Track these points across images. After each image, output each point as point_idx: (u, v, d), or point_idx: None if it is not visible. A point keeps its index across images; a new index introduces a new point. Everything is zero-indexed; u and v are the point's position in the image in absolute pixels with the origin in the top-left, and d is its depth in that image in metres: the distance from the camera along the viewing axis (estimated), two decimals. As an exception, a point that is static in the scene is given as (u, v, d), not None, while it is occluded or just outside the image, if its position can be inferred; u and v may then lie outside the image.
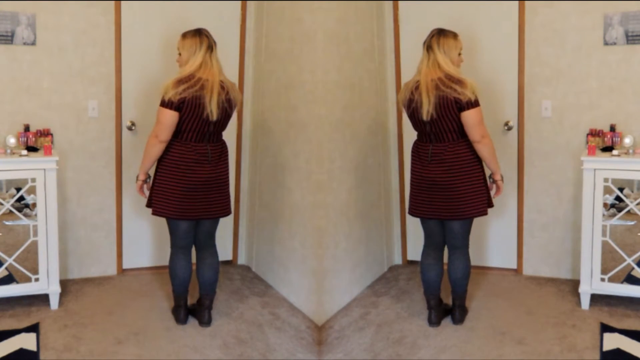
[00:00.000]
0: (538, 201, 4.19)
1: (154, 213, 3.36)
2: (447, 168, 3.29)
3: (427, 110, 3.22)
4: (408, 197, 3.59)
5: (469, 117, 3.20)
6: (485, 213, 3.36)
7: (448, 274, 3.52)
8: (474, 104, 3.20)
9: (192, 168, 3.30)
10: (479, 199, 3.33)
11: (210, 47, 3.31)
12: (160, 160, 3.35)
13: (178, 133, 3.29)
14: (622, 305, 3.70)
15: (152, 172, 3.46)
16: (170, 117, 3.22)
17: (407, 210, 3.54)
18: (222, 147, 3.41)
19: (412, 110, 3.30)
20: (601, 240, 3.60)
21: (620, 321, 3.50)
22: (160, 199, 3.33)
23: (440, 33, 3.31)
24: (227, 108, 3.31)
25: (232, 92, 3.34)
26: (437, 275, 3.49)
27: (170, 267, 3.47)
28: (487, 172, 3.47)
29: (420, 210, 3.41)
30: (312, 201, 3.61)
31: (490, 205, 3.39)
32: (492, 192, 3.46)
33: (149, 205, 3.41)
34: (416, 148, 3.41)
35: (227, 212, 3.45)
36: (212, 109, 3.23)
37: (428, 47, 3.31)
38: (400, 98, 3.39)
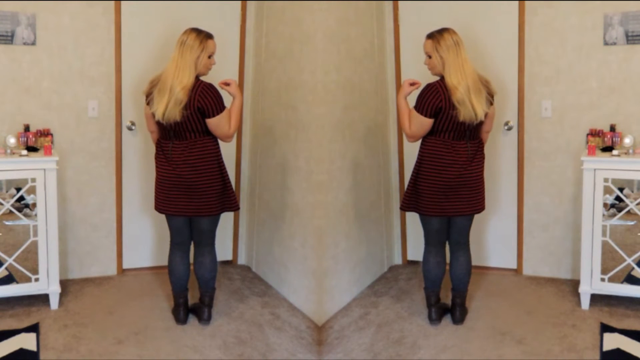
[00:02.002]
0: (538, 201, 4.19)
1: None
2: (481, 163, 3.40)
3: (481, 111, 3.24)
4: (406, 199, 3.53)
5: (493, 110, 3.40)
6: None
7: (451, 272, 3.53)
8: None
9: (160, 164, 3.36)
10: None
11: (182, 42, 3.25)
12: None
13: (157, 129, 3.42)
14: (622, 305, 3.70)
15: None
16: (145, 110, 3.40)
17: (423, 212, 3.46)
18: (187, 146, 3.29)
19: (454, 112, 3.23)
20: (601, 240, 3.60)
21: (620, 321, 3.50)
22: (155, 192, 3.45)
23: (457, 33, 3.31)
24: (184, 110, 3.21)
25: (188, 92, 3.21)
26: (443, 273, 3.53)
27: (168, 263, 3.52)
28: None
29: (449, 208, 3.36)
30: (312, 201, 3.61)
31: None
32: None
33: None
34: (448, 146, 3.31)
35: (198, 213, 3.34)
36: (159, 109, 3.22)
37: (456, 44, 3.25)
38: (434, 102, 3.25)
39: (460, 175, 3.32)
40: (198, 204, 3.33)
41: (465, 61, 3.24)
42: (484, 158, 3.43)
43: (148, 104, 3.34)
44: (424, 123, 3.29)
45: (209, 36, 3.31)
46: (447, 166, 3.31)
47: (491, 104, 3.34)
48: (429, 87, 3.29)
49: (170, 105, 3.19)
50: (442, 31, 3.29)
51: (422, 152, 3.37)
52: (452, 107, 3.23)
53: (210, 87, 3.27)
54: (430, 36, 3.32)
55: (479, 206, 3.42)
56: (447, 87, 3.23)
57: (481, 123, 3.33)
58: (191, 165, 3.29)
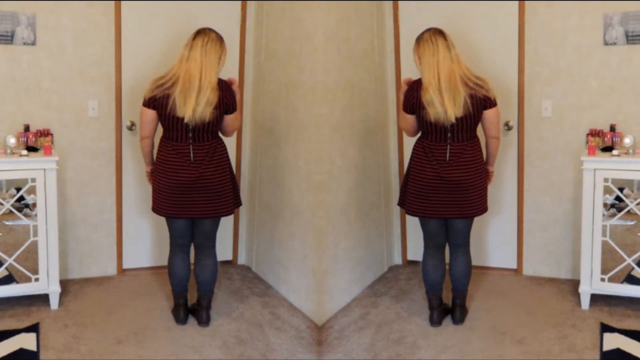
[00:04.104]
0: (538, 201, 4.19)
1: (152, 209, 3.45)
2: (467, 167, 3.31)
3: (452, 112, 3.19)
4: (399, 196, 3.55)
5: (493, 114, 3.31)
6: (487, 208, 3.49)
7: (450, 273, 3.52)
8: (495, 102, 3.32)
9: (175, 167, 3.29)
10: (486, 195, 3.44)
11: (204, 42, 3.23)
12: (156, 158, 3.41)
13: (165, 131, 3.35)
14: (622, 305, 3.70)
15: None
16: (145, 115, 3.31)
17: (406, 210, 3.51)
18: (210, 147, 3.30)
19: (423, 112, 3.24)
20: (601, 240, 3.60)
21: (620, 321, 3.50)
22: (155, 196, 3.40)
23: (442, 32, 3.30)
24: (214, 110, 3.23)
25: (217, 92, 3.23)
26: (441, 275, 3.50)
27: (168, 265, 3.51)
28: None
29: (430, 210, 3.34)
30: (312, 201, 3.61)
31: None
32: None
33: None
34: (425, 148, 3.32)
35: (218, 213, 3.35)
36: (187, 110, 3.18)
37: (434, 43, 3.23)
38: (408, 98, 3.31)
39: (440, 178, 3.28)
40: (217, 205, 3.33)
41: (444, 59, 3.20)
42: (474, 161, 3.32)
43: (147, 106, 3.28)
44: (406, 118, 3.38)
45: (222, 38, 3.35)
46: (424, 168, 3.32)
47: (490, 106, 3.27)
48: (411, 83, 3.36)
49: (201, 105, 3.18)
50: (423, 32, 3.31)
51: (412, 151, 3.44)
52: (421, 107, 3.25)
53: (227, 83, 3.34)
54: (435, 28, 3.33)
55: (472, 210, 3.35)
56: (421, 86, 3.26)
57: (470, 125, 3.27)
58: (214, 167, 3.30)
